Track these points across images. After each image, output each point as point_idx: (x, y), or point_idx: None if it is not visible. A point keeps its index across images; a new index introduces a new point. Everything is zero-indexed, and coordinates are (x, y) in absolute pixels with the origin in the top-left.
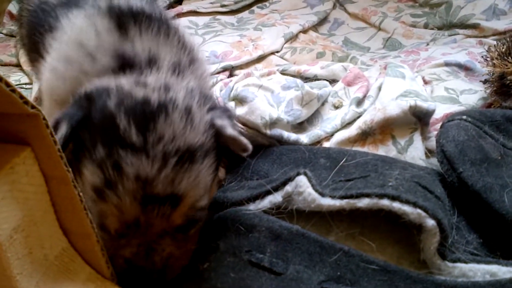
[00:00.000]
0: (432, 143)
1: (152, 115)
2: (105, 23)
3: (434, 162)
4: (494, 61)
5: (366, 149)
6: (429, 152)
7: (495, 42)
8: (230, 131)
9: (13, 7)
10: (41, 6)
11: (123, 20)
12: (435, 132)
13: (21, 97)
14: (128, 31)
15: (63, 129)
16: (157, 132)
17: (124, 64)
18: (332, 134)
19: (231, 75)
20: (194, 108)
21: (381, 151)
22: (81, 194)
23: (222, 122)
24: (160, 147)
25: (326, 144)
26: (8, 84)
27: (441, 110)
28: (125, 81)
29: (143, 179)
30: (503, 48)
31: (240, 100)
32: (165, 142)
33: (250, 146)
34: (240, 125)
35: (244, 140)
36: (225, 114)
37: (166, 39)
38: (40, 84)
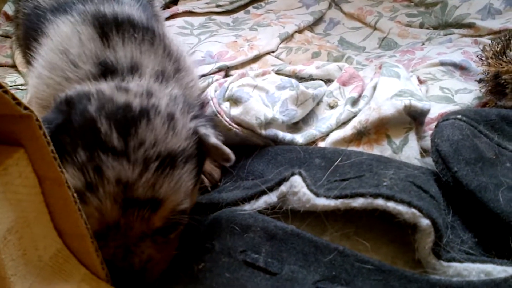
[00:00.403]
0: (427, 142)
1: (134, 120)
2: (89, 31)
3: (429, 161)
4: (489, 61)
5: (361, 149)
6: (424, 152)
7: (490, 42)
8: (213, 140)
9: (8, 8)
10: (35, 10)
11: (106, 29)
12: (430, 132)
13: (14, 98)
14: (110, 39)
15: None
16: (139, 137)
17: (106, 71)
18: (327, 134)
19: (226, 75)
20: (177, 114)
21: (376, 150)
22: (75, 195)
23: (206, 131)
24: (141, 151)
25: (321, 144)
26: (0, 86)
27: (436, 110)
28: (106, 86)
29: (124, 182)
30: (498, 47)
31: (235, 101)
32: (147, 147)
33: (232, 157)
34: (235, 125)
35: (227, 150)
36: (210, 123)
37: (150, 47)
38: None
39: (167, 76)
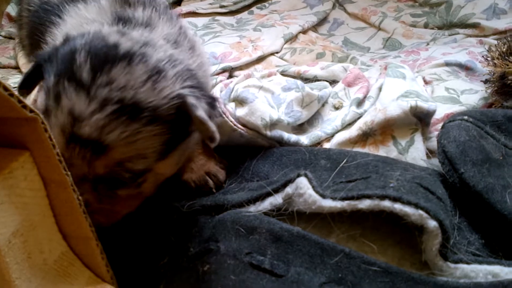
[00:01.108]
0: (433, 143)
1: (113, 58)
2: (109, 1)
3: (435, 162)
4: (495, 61)
5: (367, 150)
6: (430, 153)
7: (495, 42)
8: (200, 112)
9: (11, 9)
10: (42, 6)
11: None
12: (436, 133)
13: (20, 101)
14: (131, 4)
15: (28, 68)
16: (109, 76)
17: (119, 19)
18: (332, 135)
19: (230, 76)
20: (166, 73)
21: (381, 152)
22: (80, 198)
23: (195, 102)
24: (104, 91)
25: (326, 145)
26: (6, 89)
27: (442, 110)
28: (107, 28)
29: (75, 116)
30: (504, 47)
31: (241, 101)
32: (112, 88)
33: (217, 136)
34: (240, 126)
35: (213, 127)
36: (206, 99)
37: (169, 21)
38: None
39: (180, 47)
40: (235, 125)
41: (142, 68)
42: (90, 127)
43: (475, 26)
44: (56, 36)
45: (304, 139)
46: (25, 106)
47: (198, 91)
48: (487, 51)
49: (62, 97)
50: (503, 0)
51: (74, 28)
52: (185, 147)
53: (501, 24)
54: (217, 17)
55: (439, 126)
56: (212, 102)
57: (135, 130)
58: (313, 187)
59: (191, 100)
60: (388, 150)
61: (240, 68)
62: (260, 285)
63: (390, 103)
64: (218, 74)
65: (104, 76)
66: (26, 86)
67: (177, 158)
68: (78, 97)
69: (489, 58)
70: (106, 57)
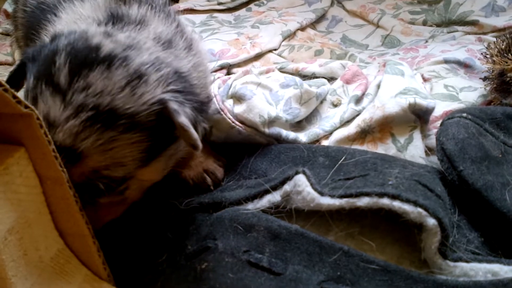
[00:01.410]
0: (432, 141)
1: (92, 62)
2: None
3: (434, 160)
4: (494, 58)
5: (365, 147)
6: (429, 150)
7: (494, 39)
8: (182, 119)
9: (8, 6)
10: (39, 6)
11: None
12: (435, 130)
13: (14, 96)
14: (126, 1)
15: (14, 66)
16: (86, 81)
17: (112, 17)
18: (331, 133)
19: (228, 73)
20: (148, 78)
21: (380, 149)
22: (76, 194)
23: (177, 107)
24: (80, 96)
25: (325, 143)
26: (0, 84)
27: (440, 108)
28: (94, 29)
29: (50, 121)
30: (502, 45)
31: (239, 98)
32: (88, 93)
33: (199, 144)
34: (238, 123)
35: (194, 135)
36: (191, 104)
37: (165, 18)
38: None
39: (174, 47)
40: (233, 122)
41: (122, 73)
42: (63, 133)
43: (474, 23)
44: (50, 34)
45: (303, 137)
46: (19, 102)
47: (183, 96)
48: (486, 48)
49: (39, 101)
50: None
51: (68, 25)
52: (172, 152)
53: (500, 21)
54: (215, 14)
55: (438, 123)
56: (199, 107)
57: (111, 137)
58: (311, 184)
59: (173, 105)
60: (386, 148)
61: (238, 65)
62: (258, 283)
63: (389, 100)
64: (216, 71)
65: (81, 81)
66: (12, 85)
67: (163, 164)
68: (54, 102)
69: (488, 56)
70: (85, 60)
